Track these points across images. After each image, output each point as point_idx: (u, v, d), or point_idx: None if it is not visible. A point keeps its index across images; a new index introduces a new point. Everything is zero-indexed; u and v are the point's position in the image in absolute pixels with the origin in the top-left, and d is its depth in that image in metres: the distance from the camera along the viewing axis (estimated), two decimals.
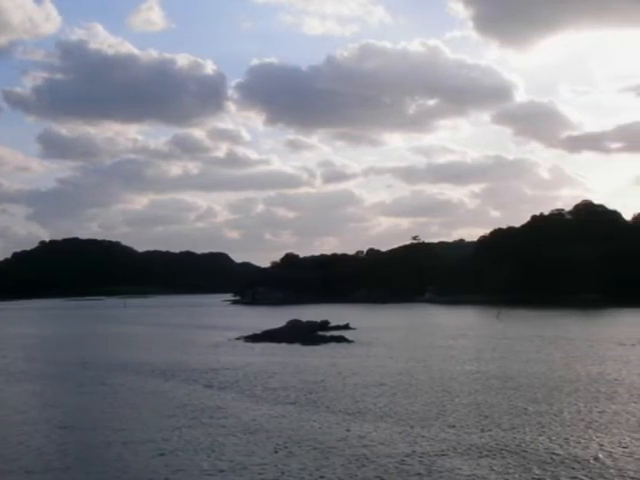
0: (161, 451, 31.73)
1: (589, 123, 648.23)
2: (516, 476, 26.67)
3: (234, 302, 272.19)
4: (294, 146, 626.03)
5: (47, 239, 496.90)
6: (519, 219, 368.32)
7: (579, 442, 31.45)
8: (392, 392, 46.46)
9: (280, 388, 49.19)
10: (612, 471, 26.96)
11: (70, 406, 45.68)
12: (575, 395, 43.77)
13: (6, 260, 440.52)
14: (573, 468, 27.41)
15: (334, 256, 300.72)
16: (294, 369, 59.77)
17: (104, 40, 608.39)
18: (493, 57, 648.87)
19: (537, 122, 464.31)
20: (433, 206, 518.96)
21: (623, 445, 30.76)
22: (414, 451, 30.54)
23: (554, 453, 29.62)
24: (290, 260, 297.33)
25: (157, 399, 46.30)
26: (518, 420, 36.55)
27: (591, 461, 28.30)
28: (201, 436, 34.64)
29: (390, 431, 34.65)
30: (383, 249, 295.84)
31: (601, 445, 30.83)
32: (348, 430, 35.12)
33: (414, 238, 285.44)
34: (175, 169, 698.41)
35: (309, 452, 30.89)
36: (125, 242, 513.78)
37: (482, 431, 34.13)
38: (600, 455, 29.15)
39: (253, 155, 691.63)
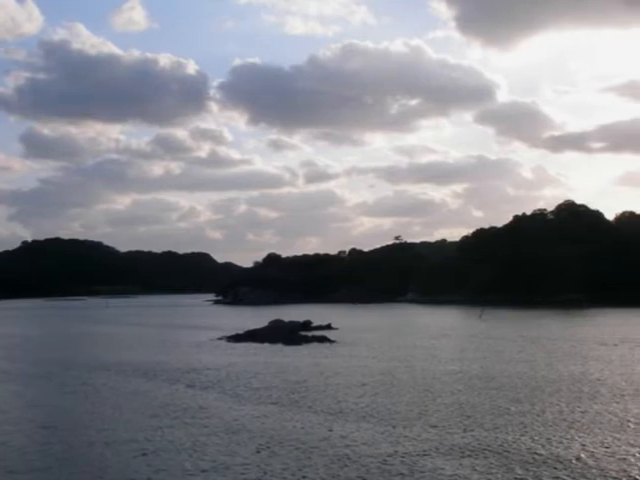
0: (143, 451, 31.66)
1: (571, 123, 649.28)
2: (498, 476, 26.70)
3: (216, 302, 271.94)
4: (276, 146, 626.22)
5: (29, 239, 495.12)
6: (501, 219, 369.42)
7: (561, 442, 31.53)
8: (374, 392, 46.48)
9: (262, 388, 49.18)
10: (594, 471, 27.03)
11: (52, 406, 45.57)
12: (557, 395, 43.89)
13: None
14: (555, 468, 27.47)
15: (316, 256, 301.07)
16: (276, 369, 59.74)
17: (86, 40, 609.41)
18: (475, 57, 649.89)
19: (519, 122, 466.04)
20: (415, 206, 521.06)
21: (605, 445, 30.85)
22: (396, 451, 30.55)
23: (536, 453, 29.68)
24: (272, 260, 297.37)
25: (139, 399, 46.19)
26: (500, 420, 36.61)
27: (573, 461, 28.37)
28: (183, 436, 34.57)
29: (372, 431, 34.67)
30: (365, 249, 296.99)
31: (583, 445, 30.91)
32: (330, 430, 35.12)
33: (396, 238, 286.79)
34: (157, 169, 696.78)
35: (291, 452, 30.87)
36: (107, 242, 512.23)
37: (464, 431, 34.18)
38: (582, 455, 29.23)
39: (235, 155, 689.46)
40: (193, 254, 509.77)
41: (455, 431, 34.20)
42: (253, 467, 28.66)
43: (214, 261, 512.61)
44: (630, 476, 26.39)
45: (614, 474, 26.63)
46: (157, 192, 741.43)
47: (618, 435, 32.71)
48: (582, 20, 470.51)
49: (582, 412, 38.33)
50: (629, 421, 35.80)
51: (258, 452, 31.10)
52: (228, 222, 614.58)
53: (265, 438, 33.60)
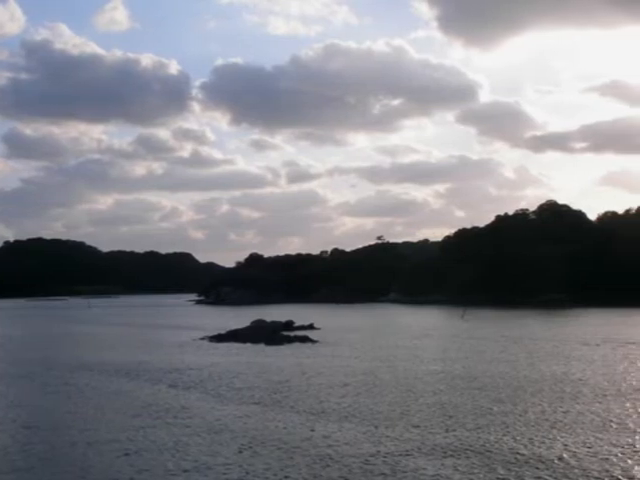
0: (125, 451, 31.56)
1: (554, 123, 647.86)
2: (480, 476, 26.72)
3: (198, 302, 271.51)
4: (259, 146, 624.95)
5: (11, 239, 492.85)
6: (483, 219, 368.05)
7: (543, 442, 31.58)
8: (356, 392, 46.47)
9: (245, 388, 49.12)
10: (576, 471, 27.07)
11: (34, 406, 45.34)
12: (539, 395, 43.97)
13: None
14: (537, 468, 27.50)
15: (298, 256, 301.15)
16: (258, 369, 59.69)
17: (69, 40, 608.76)
18: (457, 57, 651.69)
19: (502, 122, 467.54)
20: (397, 206, 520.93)
21: (587, 445, 30.91)
22: (378, 451, 30.53)
23: (518, 453, 29.72)
24: (254, 260, 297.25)
25: (121, 399, 46.04)
26: (482, 420, 36.64)
27: (555, 461, 28.41)
28: (165, 436, 34.48)
29: (354, 431, 34.65)
30: (347, 249, 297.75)
31: (565, 445, 30.96)
32: (312, 430, 35.10)
33: (379, 238, 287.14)
34: (140, 169, 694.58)
35: (273, 452, 30.82)
36: (89, 242, 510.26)
37: (446, 431, 34.19)
38: (564, 455, 29.27)
39: (218, 155, 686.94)
40: (175, 254, 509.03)
41: (437, 431, 34.22)
42: (235, 467, 28.60)
43: (196, 261, 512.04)
44: (612, 476, 26.44)
45: (596, 474, 26.67)
46: (139, 192, 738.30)
47: (600, 435, 32.79)
48: (565, 20, 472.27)
49: (564, 412, 38.41)
50: (611, 421, 35.89)
51: (240, 452, 31.05)
52: (210, 222, 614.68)
53: (247, 438, 33.55)
